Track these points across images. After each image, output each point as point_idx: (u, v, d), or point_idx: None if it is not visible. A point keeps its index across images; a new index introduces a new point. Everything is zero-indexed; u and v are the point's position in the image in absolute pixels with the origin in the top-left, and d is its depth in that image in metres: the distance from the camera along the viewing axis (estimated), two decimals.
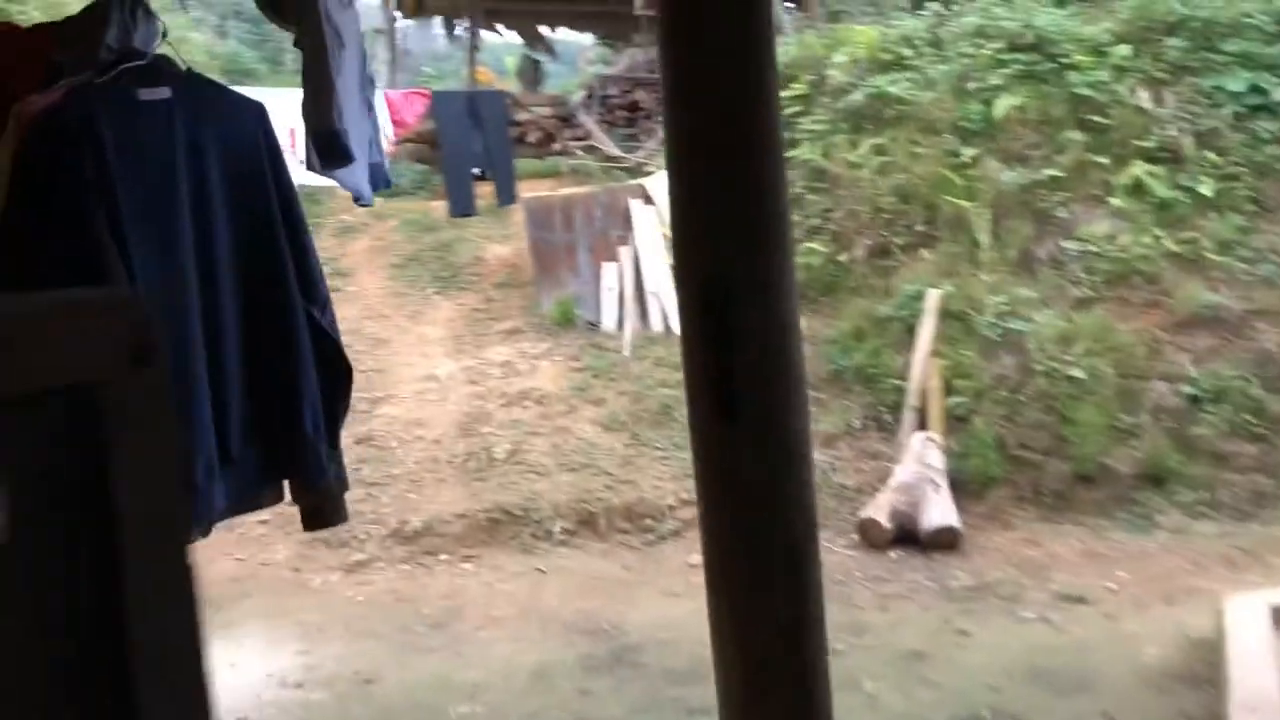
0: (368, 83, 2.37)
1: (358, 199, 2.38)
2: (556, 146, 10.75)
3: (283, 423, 2.46)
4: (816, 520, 1.80)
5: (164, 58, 2.35)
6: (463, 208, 7.00)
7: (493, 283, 9.51)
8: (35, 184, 2.13)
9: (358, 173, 2.24)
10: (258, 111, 2.38)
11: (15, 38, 2.57)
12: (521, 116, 10.14)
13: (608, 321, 8.25)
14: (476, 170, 7.56)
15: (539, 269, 8.78)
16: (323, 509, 2.67)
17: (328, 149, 2.03)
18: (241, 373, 2.40)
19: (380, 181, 2.44)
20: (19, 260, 2.11)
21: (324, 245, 10.33)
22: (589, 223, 8.65)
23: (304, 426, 2.48)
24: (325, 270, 8.50)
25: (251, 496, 2.53)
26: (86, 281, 2.11)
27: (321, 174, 2.09)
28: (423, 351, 8.46)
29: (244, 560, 6.11)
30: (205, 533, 2.39)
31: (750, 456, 1.74)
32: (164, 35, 2.27)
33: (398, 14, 13.13)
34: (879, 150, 8.03)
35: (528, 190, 8.87)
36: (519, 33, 13.61)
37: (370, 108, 2.37)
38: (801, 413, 1.78)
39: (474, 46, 13.02)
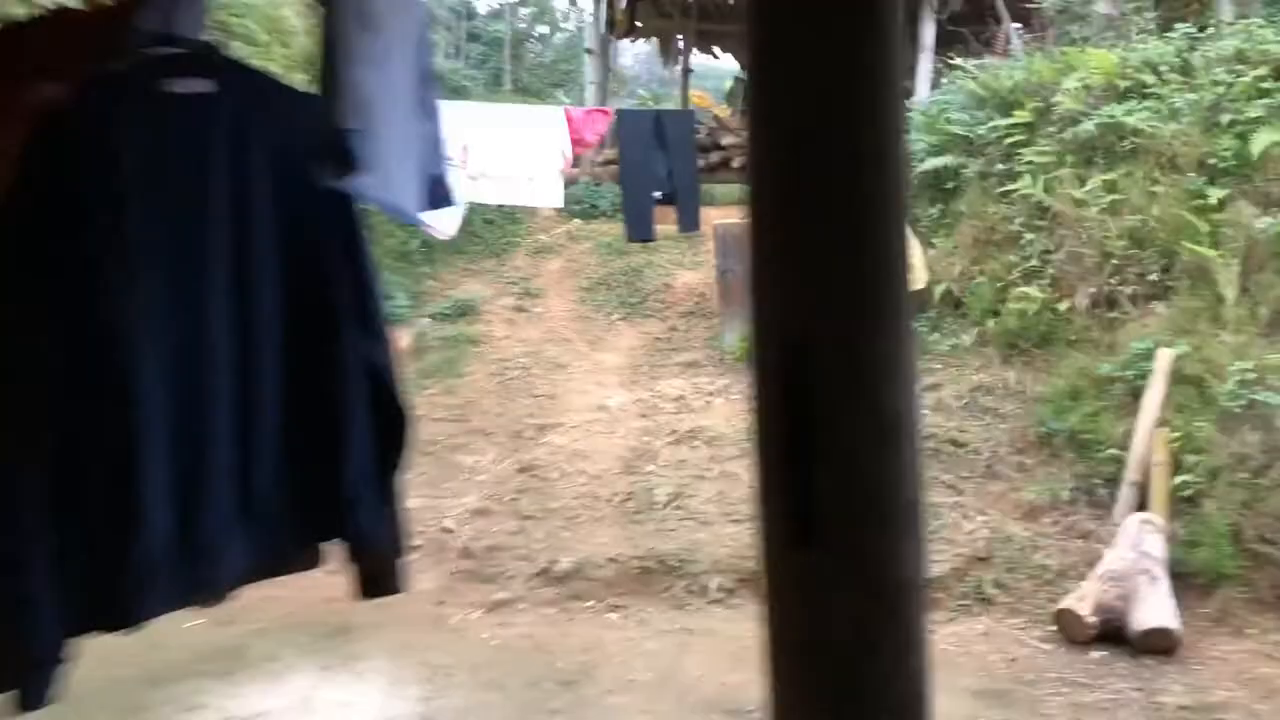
0: (424, 81, 1.96)
1: (402, 218, 1.95)
2: None
3: (321, 474, 2.07)
4: (927, 694, 1.25)
5: (209, 44, 2.01)
6: (640, 233, 6.64)
7: (678, 311, 9.13)
8: (26, 206, 1.81)
9: (395, 186, 1.82)
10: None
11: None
12: (726, 140, 9.70)
13: None
14: (659, 194, 7.19)
15: (724, 300, 8.33)
16: (376, 576, 2.26)
17: (328, 151, 1.63)
18: (276, 415, 2.03)
19: (441, 200, 2.02)
20: None
21: (518, 265, 10.24)
22: None
23: (346, 478, 2.09)
24: (516, 290, 8.37)
25: (281, 557, 2.15)
26: (67, 327, 1.79)
27: (337, 185, 1.70)
28: (598, 379, 8.13)
29: None
30: (219, 597, 2.03)
31: (831, 600, 1.22)
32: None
33: (610, 35, 12.98)
34: (1110, 187, 7.15)
35: (724, 217, 8.45)
36: (734, 55, 13.22)
37: (430, 111, 1.96)
38: (910, 543, 1.24)
39: (686, 69, 12.72)
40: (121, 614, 1.86)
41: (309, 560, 2.21)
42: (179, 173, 1.90)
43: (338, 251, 2.05)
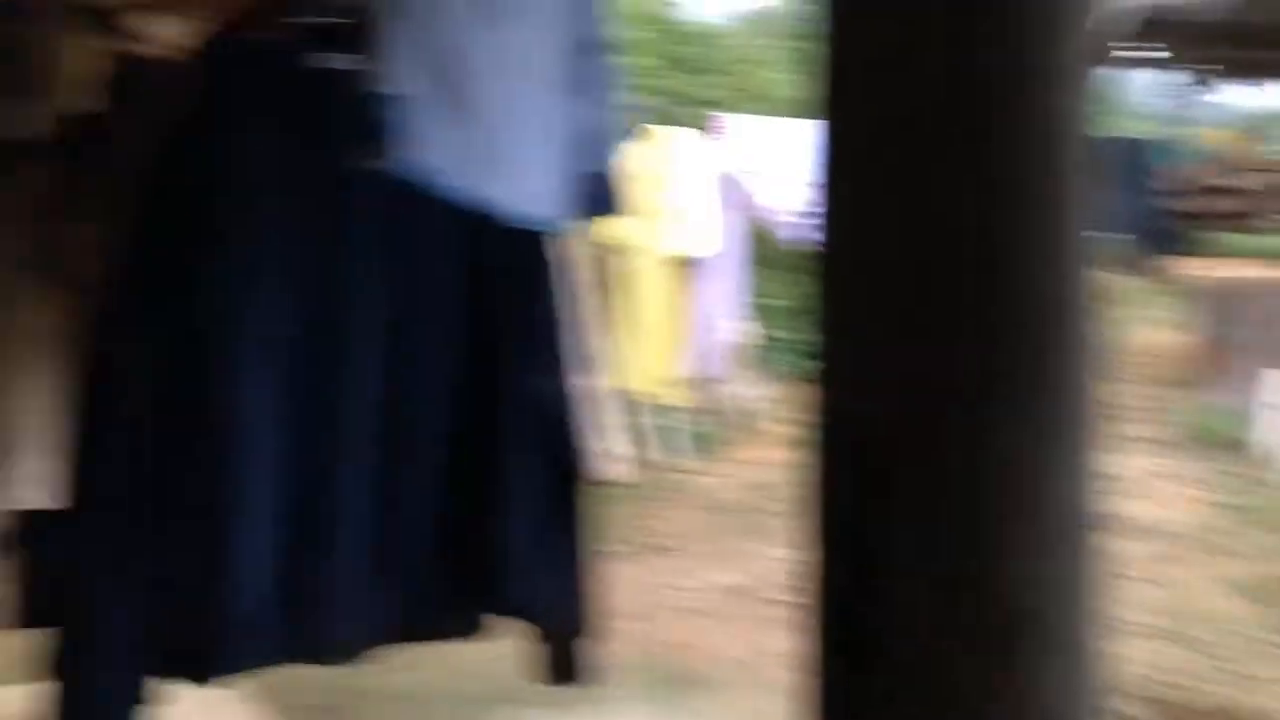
0: (585, 50, 1.53)
1: (520, 220, 1.48)
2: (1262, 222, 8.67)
3: (476, 533, 1.74)
4: None
5: (369, 9, 1.70)
6: None
7: (1135, 373, 7.90)
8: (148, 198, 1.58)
9: (508, 178, 1.41)
10: None
11: None
12: (1220, 182, 8.31)
13: (1262, 446, 6.29)
14: (1120, 234, 6.19)
15: (1190, 365, 7.07)
16: (559, 658, 1.87)
17: (370, 120, 1.27)
18: (428, 462, 1.71)
19: (600, 204, 1.59)
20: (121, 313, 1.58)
21: None
22: (1272, 319, 6.70)
23: (506, 539, 1.73)
24: None
25: (429, 621, 1.82)
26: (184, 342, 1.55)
27: (373, 166, 1.33)
28: None
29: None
30: (348, 656, 1.73)
31: None
32: None
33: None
34: None
35: (1217, 270, 7.21)
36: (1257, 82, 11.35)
37: (589, 89, 1.53)
38: None
39: (1194, 98, 11.13)
40: (206, 663, 1.63)
41: (466, 628, 1.86)
42: (319, 177, 1.58)
43: (512, 275, 1.70)
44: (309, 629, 1.65)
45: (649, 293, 5.70)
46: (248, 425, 1.56)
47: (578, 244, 1.84)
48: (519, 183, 1.46)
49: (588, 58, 1.57)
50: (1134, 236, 6.23)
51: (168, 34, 1.61)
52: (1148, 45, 11.30)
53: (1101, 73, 1.08)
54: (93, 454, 1.52)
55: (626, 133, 1.70)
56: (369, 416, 1.62)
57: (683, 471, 6.25)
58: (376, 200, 1.57)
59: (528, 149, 1.47)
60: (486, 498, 1.71)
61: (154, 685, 1.63)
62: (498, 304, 1.68)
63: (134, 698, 1.60)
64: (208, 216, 1.53)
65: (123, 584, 1.55)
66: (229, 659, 1.62)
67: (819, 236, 0.87)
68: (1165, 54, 11.58)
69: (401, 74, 1.30)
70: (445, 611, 1.81)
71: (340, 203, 1.57)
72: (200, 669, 1.63)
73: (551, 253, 1.68)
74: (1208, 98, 11.55)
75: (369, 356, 1.61)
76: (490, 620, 1.85)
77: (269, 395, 1.57)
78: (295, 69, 1.54)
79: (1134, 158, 6.24)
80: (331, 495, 1.62)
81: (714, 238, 5.93)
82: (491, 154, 1.39)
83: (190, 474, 1.56)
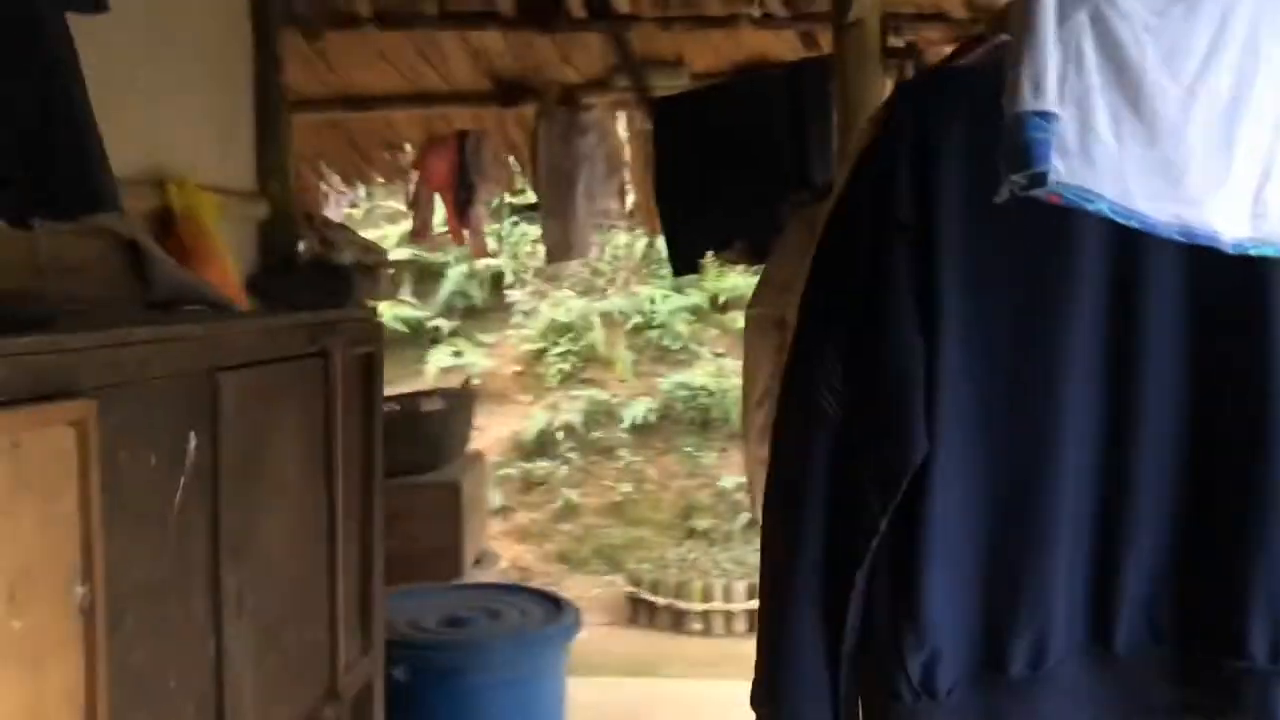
0: None
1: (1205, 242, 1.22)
2: None
3: (1212, 629, 1.43)
4: None
5: None
6: None
7: None
8: (842, 223, 1.45)
9: (1193, 197, 1.14)
10: None
11: None
12: None
13: None
14: None
15: None
16: None
17: (1006, 144, 1.09)
18: (1154, 539, 1.43)
19: None
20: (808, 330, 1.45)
21: None
22: None
23: (1249, 640, 1.39)
24: None
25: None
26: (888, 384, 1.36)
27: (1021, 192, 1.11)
28: None
29: None
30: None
31: None
32: None
33: None
34: None
35: None
36: None
37: None
38: None
39: None
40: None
41: None
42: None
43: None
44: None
45: None
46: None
47: None
48: (1204, 201, 1.16)
49: None
50: None
51: None
52: None
53: None
54: None
55: None
56: (1080, 484, 1.41)
57: None
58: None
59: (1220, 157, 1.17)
60: (1243, 595, 1.39)
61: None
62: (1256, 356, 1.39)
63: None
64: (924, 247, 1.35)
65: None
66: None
67: None
68: None
69: (1035, 86, 1.11)
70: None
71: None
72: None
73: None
74: None
75: (1082, 408, 1.39)
76: None
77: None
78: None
79: None
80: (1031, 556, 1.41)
81: None
82: (1173, 166, 1.14)
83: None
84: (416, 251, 8.35)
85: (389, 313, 8.03)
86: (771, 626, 1.43)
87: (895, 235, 1.35)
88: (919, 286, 1.34)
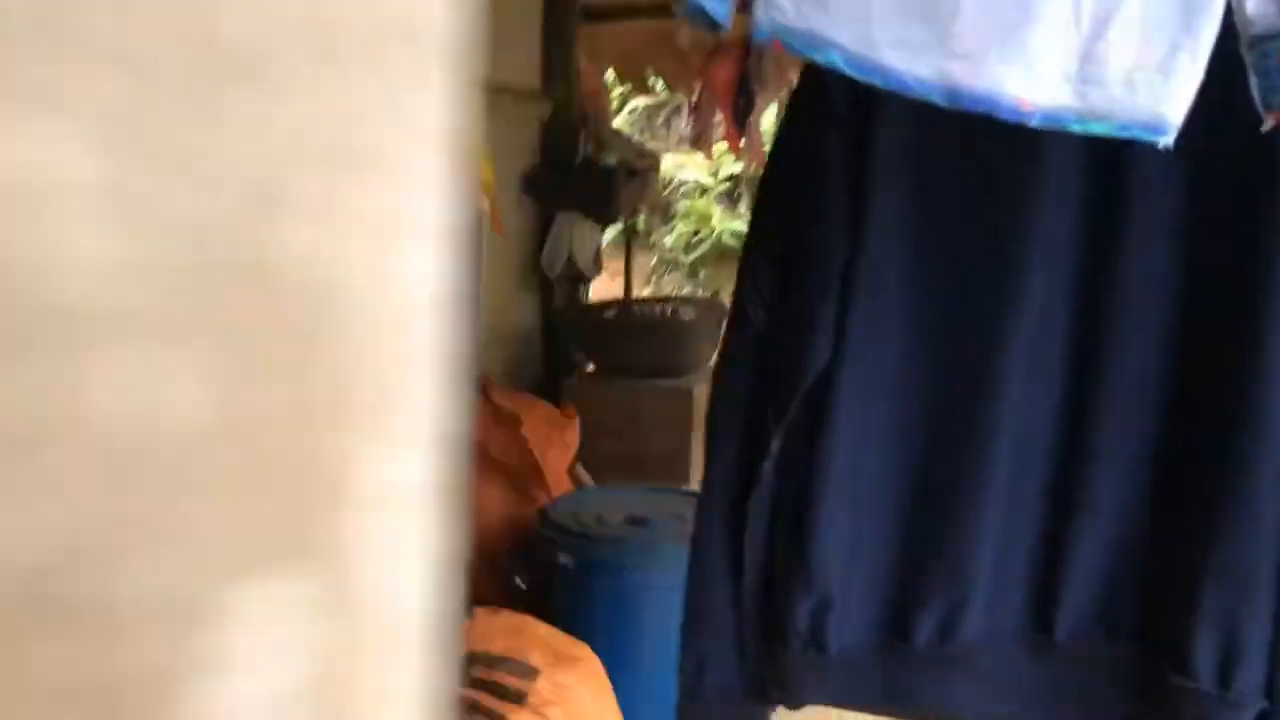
0: None
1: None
2: None
3: (1163, 639, 1.24)
4: None
5: None
6: None
7: None
8: (790, 120, 1.36)
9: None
10: None
11: None
12: None
13: None
14: None
15: None
16: None
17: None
18: (1111, 520, 1.24)
19: None
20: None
21: None
22: None
23: (1197, 658, 1.19)
24: None
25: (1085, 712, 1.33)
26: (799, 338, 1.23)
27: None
28: None
29: None
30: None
31: None
32: None
33: None
34: None
35: None
36: None
37: None
38: None
39: None
40: (780, 691, 1.37)
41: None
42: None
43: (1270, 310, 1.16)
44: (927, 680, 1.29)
45: None
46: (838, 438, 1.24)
47: None
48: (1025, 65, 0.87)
49: None
50: None
51: None
52: None
53: None
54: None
55: None
56: (1038, 454, 1.24)
57: None
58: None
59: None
60: (1193, 595, 1.19)
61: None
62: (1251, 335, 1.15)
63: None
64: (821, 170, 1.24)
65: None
66: (797, 692, 1.35)
67: None
68: None
69: None
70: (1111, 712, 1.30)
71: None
72: (775, 693, 1.37)
73: None
74: None
75: (1049, 369, 1.22)
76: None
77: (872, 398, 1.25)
78: None
79: None
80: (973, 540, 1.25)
81: None
82: (939, 4, 0.85)
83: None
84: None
85: (720, 225, 8.09)
86: (690, 556, 1.35)
87: (830, 128, 1.21)
88: (852, 184, 1.19)
